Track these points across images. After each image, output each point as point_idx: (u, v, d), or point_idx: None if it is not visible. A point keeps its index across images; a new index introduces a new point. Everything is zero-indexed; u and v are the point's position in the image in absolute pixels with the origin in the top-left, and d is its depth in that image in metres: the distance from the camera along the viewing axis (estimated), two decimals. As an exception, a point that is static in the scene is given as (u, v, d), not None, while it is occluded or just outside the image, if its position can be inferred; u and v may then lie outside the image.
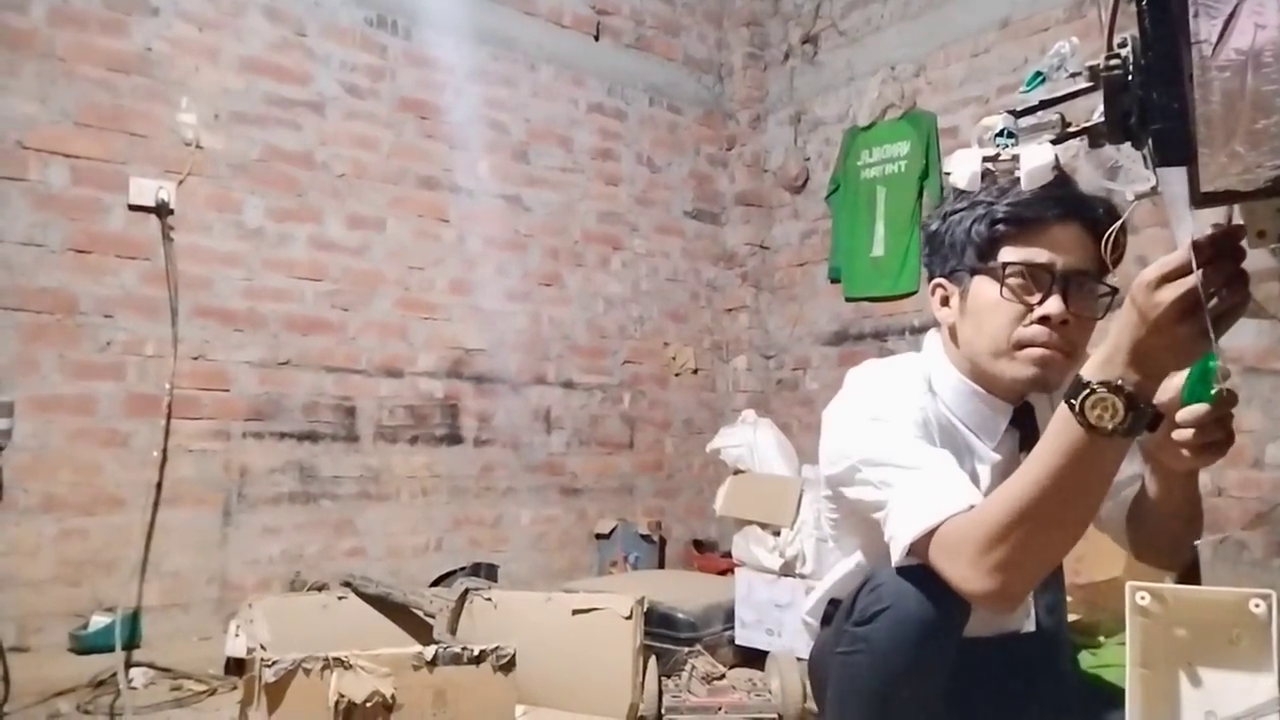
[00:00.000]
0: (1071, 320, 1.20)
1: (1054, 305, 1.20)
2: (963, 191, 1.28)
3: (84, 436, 2.93)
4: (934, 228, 1.34)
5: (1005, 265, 1.22)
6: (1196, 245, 0.82)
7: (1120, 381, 0.91)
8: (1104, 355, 0.93)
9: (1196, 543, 1.29)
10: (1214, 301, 0.82)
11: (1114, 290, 1.25)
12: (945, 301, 1.33)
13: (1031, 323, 1.21)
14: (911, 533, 1.13)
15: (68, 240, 2.93)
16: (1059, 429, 0.97)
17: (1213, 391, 0.93)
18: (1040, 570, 1.10)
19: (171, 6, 3.14)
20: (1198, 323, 0.84)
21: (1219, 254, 0.82)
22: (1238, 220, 0.82)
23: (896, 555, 1.16)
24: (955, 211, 1.29)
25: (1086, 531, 1.38)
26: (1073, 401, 0.94)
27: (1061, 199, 1.20)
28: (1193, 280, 0.82)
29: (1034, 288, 1.22)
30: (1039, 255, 1.22)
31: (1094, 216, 1.22)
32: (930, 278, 1.37)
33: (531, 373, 3.95)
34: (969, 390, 1.30)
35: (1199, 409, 0.94)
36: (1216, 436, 0.96)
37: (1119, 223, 1.04)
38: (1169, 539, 1.26)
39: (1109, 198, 1.20)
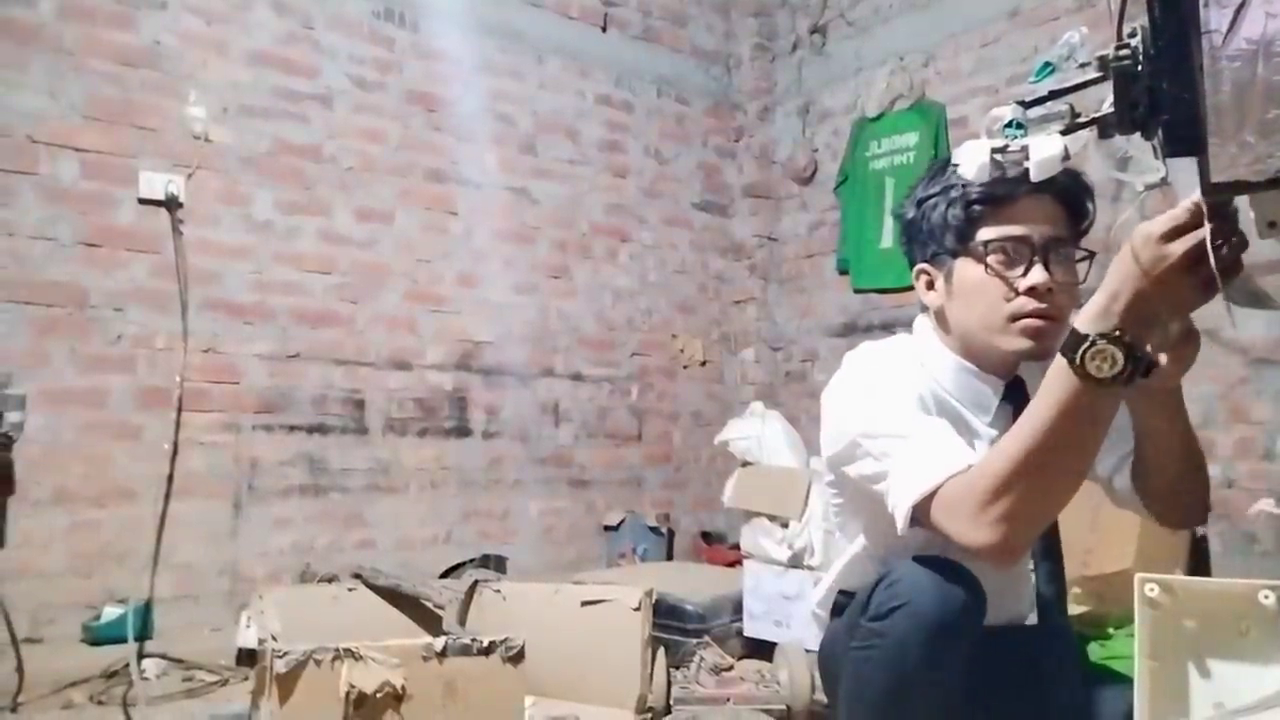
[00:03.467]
0: (1056, 287, 1.24)
1: (1039, 275, 1.23)
2: (933, 178, 1.30)
3: (95, 429, 2.94)
4: (910, 216, 1.36)
5: (986, 243, 1.26)
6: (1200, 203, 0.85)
7: (1119, 332, 0.93)
8: (1099, 307, 0.95)
9: (1206, 533, 1.28)
10: (1225, 251, 0.86)
11: (1092, 254, 1.29)
12: (930, 285, 1.36)
13: (1019, 295, 1.24)
14: (913, 497, 1.14)
15: (78, 234, 2.94)
16: (1055, 382, 1.00)
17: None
18: (1041, 521, 1.13)
19: (179, 0, 3.15)
20: (1200, 274, 0.87)
21: (1218, 213, 0.85)
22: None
23: (900, 522, 1.17)
24: (928, 198, 1.32)
25: (1099, 521, 1.38)
26: (1072, 355, 0.96)
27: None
28: (1203, 233, 0.84)
29: (1016, 261, 1.25)
30: (1016, 229, 1.25)
31: (1062, 186, 1.24)
32: (911, 264, 1.39)
33: (539, 365, 3.96)
34: (961, 366, 1.32)
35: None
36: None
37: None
38: (1175, 484, 1.24)
39: (1074, 167, 1.21)
